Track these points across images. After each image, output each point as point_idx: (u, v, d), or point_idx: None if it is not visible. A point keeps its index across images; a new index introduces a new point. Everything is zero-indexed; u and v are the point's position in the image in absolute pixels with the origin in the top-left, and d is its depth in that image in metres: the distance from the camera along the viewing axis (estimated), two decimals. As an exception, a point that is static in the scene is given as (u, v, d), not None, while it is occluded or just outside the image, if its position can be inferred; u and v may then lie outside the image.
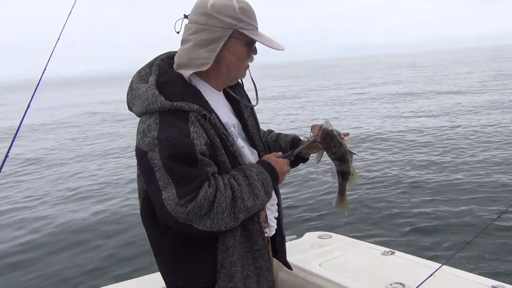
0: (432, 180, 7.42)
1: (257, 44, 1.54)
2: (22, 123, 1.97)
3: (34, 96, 2.01)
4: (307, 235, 2.62)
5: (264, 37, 1.51)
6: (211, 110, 1.46)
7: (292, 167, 1.71)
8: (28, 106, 2.00)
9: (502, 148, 9.20)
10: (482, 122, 12.56)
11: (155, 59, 1.58)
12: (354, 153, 1.67)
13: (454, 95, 19.87)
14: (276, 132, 1.96)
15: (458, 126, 12.14)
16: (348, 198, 1.74)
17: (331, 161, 1.68)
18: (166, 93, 1.41)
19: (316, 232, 2.64)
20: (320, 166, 8.80)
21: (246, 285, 1.49)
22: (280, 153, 1.63)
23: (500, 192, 6.41)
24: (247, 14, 1.48)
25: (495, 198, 6.20)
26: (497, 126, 11.78)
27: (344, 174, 1.67)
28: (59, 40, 2.05)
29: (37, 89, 2.03)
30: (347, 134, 1.75)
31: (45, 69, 2.05)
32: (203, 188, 1.31)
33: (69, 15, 2.07)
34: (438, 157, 8.92)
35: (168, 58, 1.58)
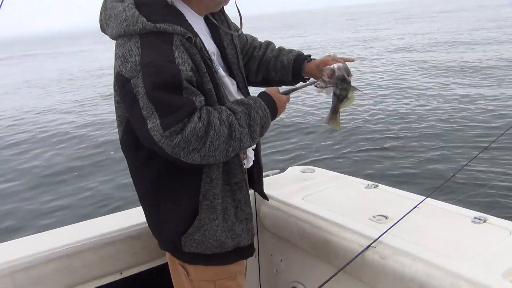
0: (418, 116, 7.43)
1: None
2: None
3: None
4: (290, 169, 2.57)
5: None
6: (196, 34, 1.35)
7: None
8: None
9: (497, 84, 9.18)
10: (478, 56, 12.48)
11: None
12: (358, 90, 1.60)
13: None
14: (276, 46, 1.83)
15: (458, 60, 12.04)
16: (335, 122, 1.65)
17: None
18: (147, 13, 1.29)
19: (299, 166, 2.59)
20: (307, 102, 8.74)
21: (225, 217, 1.46)
22: (282, 88, 1.55)
23: (486, 128, 6.45)
24: None
25: (480, 133, 6.25)
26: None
27: (340, 96, 1.59)
28: None
29: None
30: (353, 60, 1.70)
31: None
32: (192, 121, 1.23)
33: None
34: (426, 96, 8.89)
35: None
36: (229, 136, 1.30)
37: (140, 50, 1.26)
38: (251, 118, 1.36)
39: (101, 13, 1.41)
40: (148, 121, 1.23)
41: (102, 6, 1.40)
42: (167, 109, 1.23)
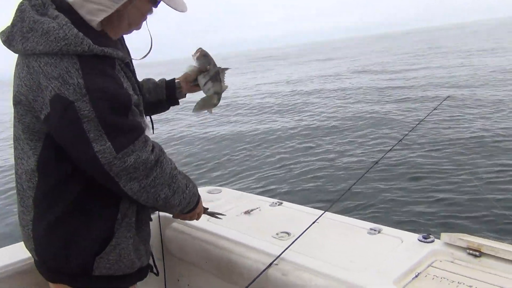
0: (316, 132, 7.81)
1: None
2: None
3: None
4: (197, 190, 2.54)
5: None
6: (130, 59, 1.40)
7: (163, 111, 1.87)
8: None
9: (382, 102, 9.97)
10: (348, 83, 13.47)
11: None
12: (227, 68, 1.73)
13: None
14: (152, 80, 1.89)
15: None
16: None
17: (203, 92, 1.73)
18: (89, 35, 1.25)
19: (206, 187, 2.57)
20: (207, 123, 8.78)
21: (134, 237, 1.44)
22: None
23: (377, 143, 6.95)
24: None
25: (373, 147, 6.72)
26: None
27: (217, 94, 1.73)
28: None
29: None
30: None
31: None
32: (145, 151, 1.29)
33: None
34: (322, 113, 9.40)
35: None
36: (169, 181, 1.37)
37: (81, 72, 1.22)
38: (188, 188, 1.47)
39: (14, 24, 1.29)
40: (94, 144, 1.22)
41: (18, 17, 1.28)
42: (119, 132, 1.25)
